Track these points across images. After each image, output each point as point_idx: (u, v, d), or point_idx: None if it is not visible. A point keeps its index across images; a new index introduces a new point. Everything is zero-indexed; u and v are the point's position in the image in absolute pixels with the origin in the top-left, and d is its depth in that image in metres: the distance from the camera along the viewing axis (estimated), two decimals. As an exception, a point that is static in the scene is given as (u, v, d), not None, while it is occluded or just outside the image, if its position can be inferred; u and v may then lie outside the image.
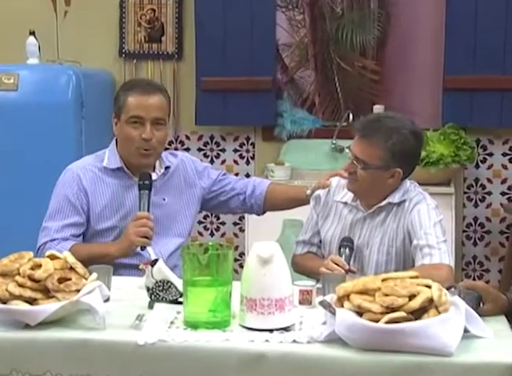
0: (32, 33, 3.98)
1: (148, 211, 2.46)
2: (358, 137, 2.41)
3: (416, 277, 1.78)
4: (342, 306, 1.73)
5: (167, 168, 2.63)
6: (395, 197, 2.42)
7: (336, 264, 2.28)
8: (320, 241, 2.58)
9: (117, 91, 2.65)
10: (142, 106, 2.49)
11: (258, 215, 2.84)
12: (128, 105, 2.50)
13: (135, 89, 2.53)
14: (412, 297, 1.69)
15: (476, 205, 4.22)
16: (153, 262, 1.98)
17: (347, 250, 2.36)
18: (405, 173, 2.41)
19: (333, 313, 1.71)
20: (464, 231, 4.23)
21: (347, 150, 2.45)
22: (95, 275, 1.91)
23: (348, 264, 2.31)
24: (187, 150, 4.38)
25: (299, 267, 2.60)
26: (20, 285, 1.81)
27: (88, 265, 2.06)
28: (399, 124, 2.39)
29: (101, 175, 2.56)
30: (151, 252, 2.48)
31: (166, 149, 2.80)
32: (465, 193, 4.23)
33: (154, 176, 2.57)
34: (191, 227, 2.70)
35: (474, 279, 4.22)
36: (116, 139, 2.63)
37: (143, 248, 2.42)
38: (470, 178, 4.22)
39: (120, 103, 2.53)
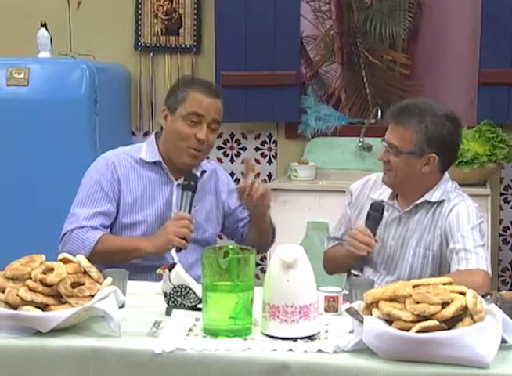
0: (44, 25, 4.02)
1: (189, 212, 2.49)
2: (391, 124, 2.41)
3: (450, 283, 1.77)
4: (370, 314, 1.73)
5: (203, 172, 2.65)
6: (433, 196, 2.42)
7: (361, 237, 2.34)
8: (352, 239, 2.59)
9: (173, 84, 2.69)
10: (205, 104, 2.52)
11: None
12: (190, 100, 2.52)
13: (198, 87, 2.55)
14: (445, 304, 1.68)
15: (513, 207, 4.20)
16: (171, 267, 1.99)
17: (372, 223, 2.40)
18: (443, 161, 2.40)
19: (361, 321, 1.71)
20: (501, 235, 4.21)
21: (383, 143, 2.45)
22: (109, 279, 1.92)
23: (374, 234, 2.37)
24: (206, 148, 4.39)
25: (331, 261, 2.62)
26: (32, 290, 1.83)
27: (116, 259, 2.07)
28: (434, 107, 2.38)
29: (136, 166, 2.58)
30: (175, 256, 2.49)
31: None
32: (502, 194, 4.20)
33: None
34: (216, 237, 2.73)
35: (511, 286, 4.19)
36: (155, 133, 2.65)
37: (179, 250, 2.45)
38: (507, 179, 4.19)
39: (179, 97, 2.53)
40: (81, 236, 2.48)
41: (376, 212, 2.40)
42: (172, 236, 2.42)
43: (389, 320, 1.69)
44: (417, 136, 2.34)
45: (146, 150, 2.60)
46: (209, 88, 2.56)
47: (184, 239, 2.44)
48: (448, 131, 2.37)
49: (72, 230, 2.50)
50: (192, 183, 2.53)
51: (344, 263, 2.51)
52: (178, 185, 2.59)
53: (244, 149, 4.40)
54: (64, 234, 2.52)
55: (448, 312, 1.67)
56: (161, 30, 4.40)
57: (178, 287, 1.97)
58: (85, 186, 2.57)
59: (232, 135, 4.39)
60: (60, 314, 1.79)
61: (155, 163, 2.59)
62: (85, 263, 1.93)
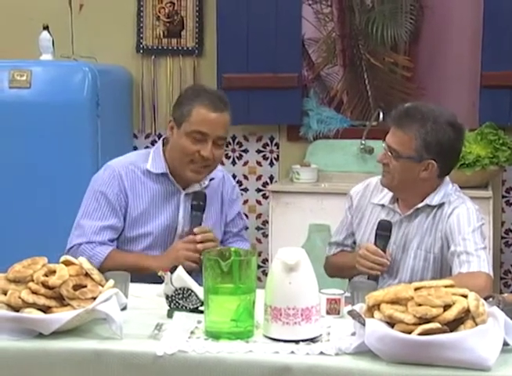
0: (46, 27, 4.03)
1: None
2: (392, 127, 2.41)
3: (452, 286, 1.77)
4: (372, 316, 1.73)
5: (211, 179, 2.61)
6: (434, 199, 2.41)
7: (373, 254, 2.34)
8: (354, 242, 2.59)
9: (181, 93, 2.61)
10: (209, 122, 2.43)
11: None
12: (194, 117, 2.44)
13: (203, 101, 2.45)
14: (447, 307, 1.68)
15: (515, 210, 4.20)
16: (173, 269, 1.99)
17: (382, 241, 2.39)
18: (442, 168, 2.39)
19: (363, 324, 1.71)
20: (503, 237, 4.20)
21: (383, 145, 2.45)
22: (111, 282, 1.92)
23: (384, 252, 2.37)
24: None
25: (333, 267, 2.62)
26: (34, 292, 1.83)
27: None
28: (436, 113, 2.37)
29: (143, 178, 2.53)
30: None
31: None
32: (504, 196, 4.20)
33: (197, 187, 2.56)
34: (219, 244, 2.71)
35: (513, 288, 4.20)
36: (163, 140, 2.60)
37: (189, 272, 2.43)
38: (509, 181, 4.19)
39: (185, 111, 2.46)
40: (89, 252, 2.44)
41: (385, 231, 2.39)
42: (184, 261, 2.38)
43: (391, 323, 1.69)
44: (416, 142, 2.34)
45: (153, 159, 2.55)
46: (214, 102, 2.45)
47: (194, 261, 2.41)
48: (448, 137, 2.36)
49: (79, 245, 2.47)
50: (201, 203, 2.49)
51: (350, 274, 2.52)
52: (185, 195, 2.55)
53: (246, 151, 4.40)
54: (71, 247, 2.48)
55: (450, 314, 1.67)
56: (163, 33, 4.40)
57: (180, 289, 1.98)
58: (91, 196, 2.52)
59: (233, 138, 4.39)
60: (62, 316, 1.79)
61: (162, 174, 2.54)
62: (87, 265, 1.93)
